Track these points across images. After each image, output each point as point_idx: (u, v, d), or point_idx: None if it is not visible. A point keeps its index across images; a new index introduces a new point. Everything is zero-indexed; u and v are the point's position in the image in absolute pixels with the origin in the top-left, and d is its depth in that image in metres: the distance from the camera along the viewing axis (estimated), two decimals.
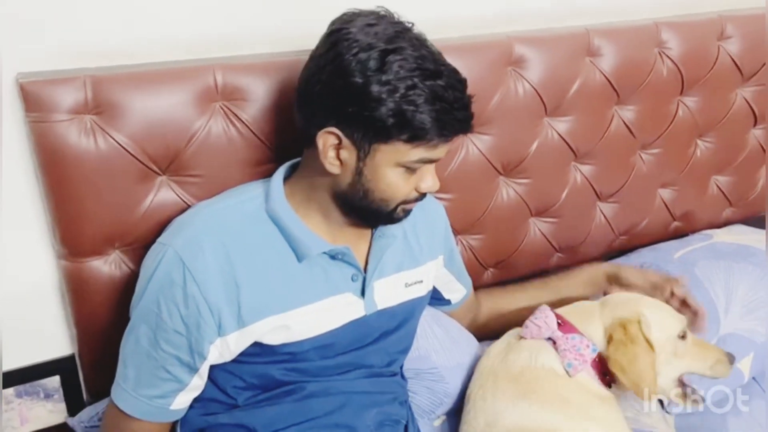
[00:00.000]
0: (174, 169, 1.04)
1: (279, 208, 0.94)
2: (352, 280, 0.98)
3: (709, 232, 1.67)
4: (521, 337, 1.14)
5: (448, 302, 1.24)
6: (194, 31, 1.08)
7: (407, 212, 0.97)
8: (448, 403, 1.20)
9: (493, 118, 1.28)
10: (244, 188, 1.01)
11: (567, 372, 1.07)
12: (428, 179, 0.94)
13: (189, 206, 1.04)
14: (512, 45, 1.27)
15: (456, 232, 1.34)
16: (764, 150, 1.70)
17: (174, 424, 0.99)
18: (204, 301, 0.88)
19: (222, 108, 1.05)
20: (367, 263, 1.00)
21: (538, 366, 1.08)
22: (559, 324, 1.11)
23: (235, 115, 1.05)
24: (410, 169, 0.91)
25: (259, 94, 1.06)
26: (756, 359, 1.36)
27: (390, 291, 1.03)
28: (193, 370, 0.92)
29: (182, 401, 0.94)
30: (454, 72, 0.89)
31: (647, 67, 1.42)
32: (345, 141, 0.88)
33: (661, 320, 1.11)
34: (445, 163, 1.27)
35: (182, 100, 1.01)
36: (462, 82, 0.89)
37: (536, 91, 1.31)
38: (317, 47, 0.91)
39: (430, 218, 1.12)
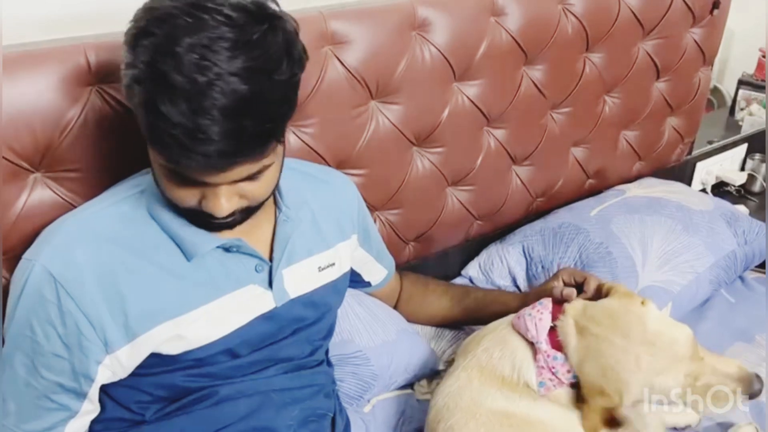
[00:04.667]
0: (48, 164, 0.93)
1: (158, 205, 0.85)
2: (257, 270, 0.90)
3: (621, 187, 1.70)
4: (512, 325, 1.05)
5: (368, 284, 1.19)
6: (58, 6, 0.96)
7: (222, 226, 0.82)
8: (377, 386, 1.16)
9: (401, 86, 1.23)
10: (119, 188, 0.90)
11: (538, 390, 0.99)
12: (207, 200, 0.77)
13: (74, 205, 0.93)
14: (415, 7, 1.21)
15: (372, 208, 1.28)
16: (668, 103, 1.74)
17: None
18: (83, 316, 0.79)
19: (99, 92, 0.94)
20: (273, 251, 0.92)
21: (520, 382, 1.00)
22: (551, 329, 1.01)
23: (115, 99, 0.94)
24: (175, 175, 0.75)
25: None
26: (674, 308, 1.39)
27: (303, 277, 0.95)
28: (81, 395, 0.83)
29: (75, 428, 0.85)
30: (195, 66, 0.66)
31: (552, 25, 1.40)
32: None
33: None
34: (355, 137, 1.21)
35: (49, 86, 0.90)
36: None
37: (443, 55, 1.26)
38: None
39: (339, 197, 1.05)
